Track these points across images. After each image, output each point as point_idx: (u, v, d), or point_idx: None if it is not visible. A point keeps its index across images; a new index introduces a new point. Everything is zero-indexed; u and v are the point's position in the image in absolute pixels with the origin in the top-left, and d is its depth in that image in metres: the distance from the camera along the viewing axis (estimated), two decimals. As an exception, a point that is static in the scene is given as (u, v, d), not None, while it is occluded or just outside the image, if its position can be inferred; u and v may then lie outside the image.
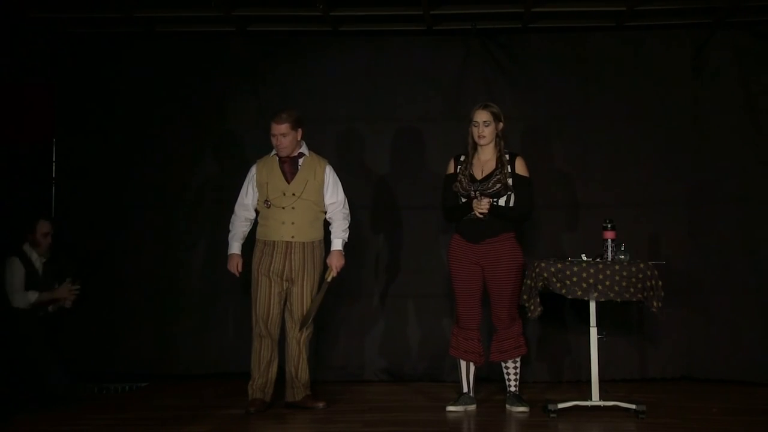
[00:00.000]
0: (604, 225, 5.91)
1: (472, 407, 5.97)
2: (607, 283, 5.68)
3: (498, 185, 5.84)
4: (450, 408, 5.95)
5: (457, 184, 5.94)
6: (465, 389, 6.01)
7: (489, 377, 6.60)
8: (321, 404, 6.01)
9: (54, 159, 7.00)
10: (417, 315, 7.03)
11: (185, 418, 5.81)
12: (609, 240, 5.87)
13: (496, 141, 5.93)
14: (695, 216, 6.94)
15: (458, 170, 5.98)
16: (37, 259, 6.64)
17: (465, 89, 7.05)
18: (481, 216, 5.81)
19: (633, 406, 5.70)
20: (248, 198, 6.04)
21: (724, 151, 6.90)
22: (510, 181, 5.86)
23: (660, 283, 5.68)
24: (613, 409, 5.74)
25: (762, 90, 6.88)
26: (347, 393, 6.55)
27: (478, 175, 5.92)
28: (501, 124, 5.95)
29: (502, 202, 5.87)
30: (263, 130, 6.82)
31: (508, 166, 5.88)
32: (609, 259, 5.82)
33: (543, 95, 7.05)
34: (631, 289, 5.68)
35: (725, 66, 6.94)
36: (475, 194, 5.87)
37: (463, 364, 6.00)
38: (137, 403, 6.32)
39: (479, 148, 5.96)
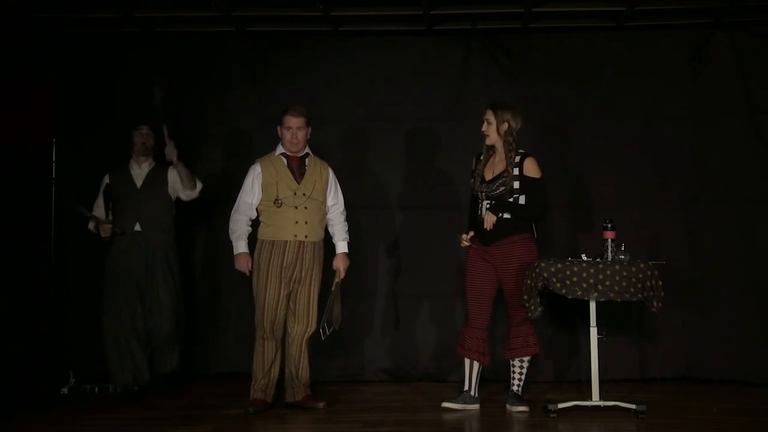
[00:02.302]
0: (604, 225, 5.92)
1: (473, 407, 5.96)
2: (607, 283, 5.68)
3: (501, 188, 5.84)
4: (445, 404, 5.94)
5: (472, 181, 5.99)
6: (466, 387, 5.99)
7: (493, 378, 6.59)
8: (321, 404, 6.02)
9: (54, 159, 7.00)
10: (417, 315, 7.03)
11: (185, 418, 5.82)
12: (609, 240, 5.87)
13: (504, 142, 5.91)
14: (695, 216, 6.94)
15: (475, 169, 6.01)
16: (136, 168, 6.51)
17: (465, 89, 7.05)
18: (487, 228, 5.83)
19: (633, 406, 5.70)
20: (252, 198, 5.98)
21: (724, 151, 6.90)
22: (516, 183, 5.84)
23: (660, 283, 5.68)
24: (613, 409, 5.75)
25: (762, 90, 6.88)
26: (347, 393, 6.55)
27: (489, 176, 5.92)
28: (506, 125, 5.89)
29: None
30: (263, 130, 6.85)
31: (516, 169, 5.85)
32: (609, 259, 5.82)
33: (543, 95, 7.05)
34: (631, 289, 5.69)
35: (725, 66, 6.94)
36: (481, 196, 5.90)
37: (467, 362, 5.99)
38: (137, 403, 6.30)
39: (494, 147, 5.95)
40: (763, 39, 6.91)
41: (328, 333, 6.02)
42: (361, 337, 7.03)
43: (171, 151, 6.41)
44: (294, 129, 5.92)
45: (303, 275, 5.95)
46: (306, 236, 5.94)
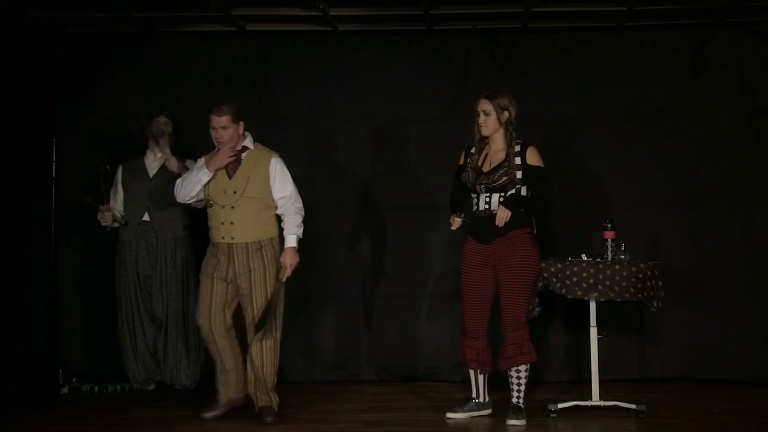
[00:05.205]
0: (604, 225, 5.92)
1: (484, 412, 5.79)
2: (607, 283, 5.68)
3: (504, 178, 5.59)
4: (449, 415, 5.76)
5: (464, 175, 5.73)
6: (474, 394, 5.81)
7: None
8: (270, 419, 5.65)
9: (54, 159, 6.99)
10: (417, 315, 7.02)
11: (185, 419, 5.82)
12: (609, 240, 5.87)
13: (505, 131, 5.68)
14: (695, 216, 6.94)
15: (468, 162, 5.76)
16: (151, 157, 6.27)
17: (465, 89, 7.03)
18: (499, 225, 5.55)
19: (633, 406, 5.71)
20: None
21: (724, 151, 6.90)
22: (519, 173, 5.61)
23: (660, 283, 5.69)
24: (613, 409, 5.75)
25: (762, 90, 6.88)
26: (347, 393, 6.55)
27: (487, 167, 5.66)
28: (507, 113, 5.66)
29: None
30: (263, 130, 6.83)
31: (518, 158, 5.64)
32: (609, 259, 5.82)
33: (543, 95, 7.03)
34: (631, 289, 5.69)
35: (725, 66, 6.94)
36: (480, 188, 5.65)
37: (471, 371, 5.79)
38: (146, 406, 6.24)
39: (489, 138, 5.71)
40: (763, 39, 6.91)
41: (261, 330, 5.60)
42: (360, 337, 7.03)
43: (173, 164, 6.14)
44: (218, 128, 5.69)
45: (239, 279, 5.65)
46: (233, 238, 5.63)
